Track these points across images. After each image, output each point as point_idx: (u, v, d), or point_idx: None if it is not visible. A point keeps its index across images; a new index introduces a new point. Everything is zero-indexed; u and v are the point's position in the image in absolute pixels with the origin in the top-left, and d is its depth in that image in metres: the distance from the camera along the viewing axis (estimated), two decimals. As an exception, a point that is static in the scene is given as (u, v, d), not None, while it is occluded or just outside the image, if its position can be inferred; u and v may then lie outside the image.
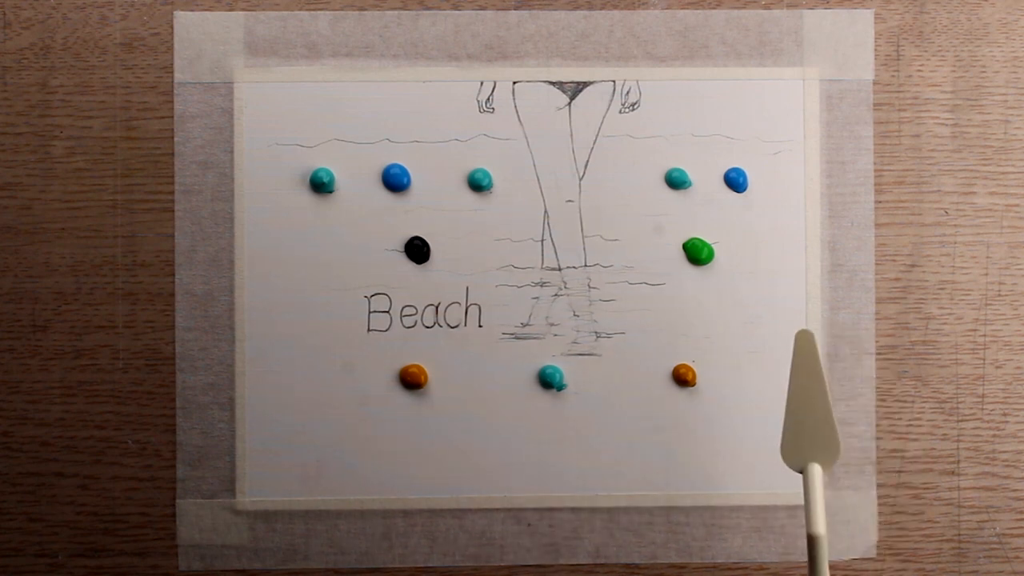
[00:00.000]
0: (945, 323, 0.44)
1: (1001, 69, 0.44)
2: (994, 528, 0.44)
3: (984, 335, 0.44)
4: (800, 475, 0.37)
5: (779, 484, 0.43)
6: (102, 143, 0.43)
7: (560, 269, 0.44)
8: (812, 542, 0.35)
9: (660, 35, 0.44)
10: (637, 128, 0.44)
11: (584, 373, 0.44)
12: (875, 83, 0.44)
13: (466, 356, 0.43)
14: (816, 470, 0.37)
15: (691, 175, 0.44)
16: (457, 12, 0.44)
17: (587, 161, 0.44)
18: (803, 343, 0.37)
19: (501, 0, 0.44)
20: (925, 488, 0.44)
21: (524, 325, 0.44)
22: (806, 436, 0.37)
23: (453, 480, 0.43)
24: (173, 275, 0.43)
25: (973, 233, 0.44)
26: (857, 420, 0.44)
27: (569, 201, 0.44)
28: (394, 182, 0.43)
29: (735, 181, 0.44)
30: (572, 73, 0.44)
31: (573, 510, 0.44)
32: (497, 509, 0.44)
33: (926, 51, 0.44)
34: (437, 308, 0.44)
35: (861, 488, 0.44)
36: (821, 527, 0.35)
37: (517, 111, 0.44)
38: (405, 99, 0.43)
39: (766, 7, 0.44)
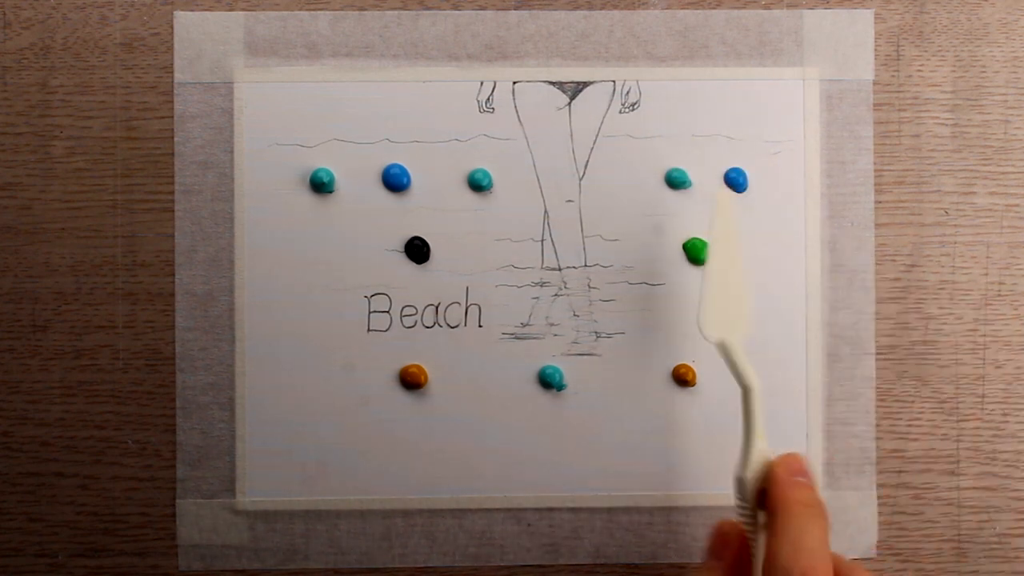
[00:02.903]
0: (945, 323, 0.44)
1: (1001, 69, 0.44)
2: (994, 528, 0.44)
3: (984, 335, 0.44)
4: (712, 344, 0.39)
5: (779, 484, 0.43)
6: (102, 143, 0.43)
7: (560, 269, 0.44)
8: (747, 394, 0.38)
9: (660, 35, 0.44)
10: (637, 128, 0.44)
11: (584, 373, 0.44)
12: (875, 83, 0.44)
13: (466, 356, 0.43)
14: (733, 341, 0.39)
15: (691, 175, 0.44)
16: (457, 12, 0.44)
17: (587, 161, 0.44)
18: (723, 205, 0.40)
19: (501, 0, 0.44)
20: (925, 488, 0.44)
21: (524, 325, 0.44)
22: (722, 309, 0.39)
23: (453, 480, 0.43)
24: (173, 275, 0.43)
25: (973, 233, 0.44)
26: (857, 420, 0.44)
27: (569, 201, 0.44)
28: (394, 182, 0.43)
29: (735, 181, 0.44)
30: (572, 73, 0.44)
31: (573, 510, 0.44)
32: (497, 509, 0.44)
33: (926, 51, 0.44)
34: (437, 308, 0.44)
35: (861, 488, 0.44)
36: (754, 380, 0.38)
37: (517, 111, 0.44)
38: (405, 99, 0.43)
39: (766, 7, 0.44)
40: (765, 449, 0.37)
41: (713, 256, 0.39)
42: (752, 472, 0.37)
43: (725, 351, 0.39)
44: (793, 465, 0.36)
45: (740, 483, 0.37)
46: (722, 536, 0.38)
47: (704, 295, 0.39)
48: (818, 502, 0.35)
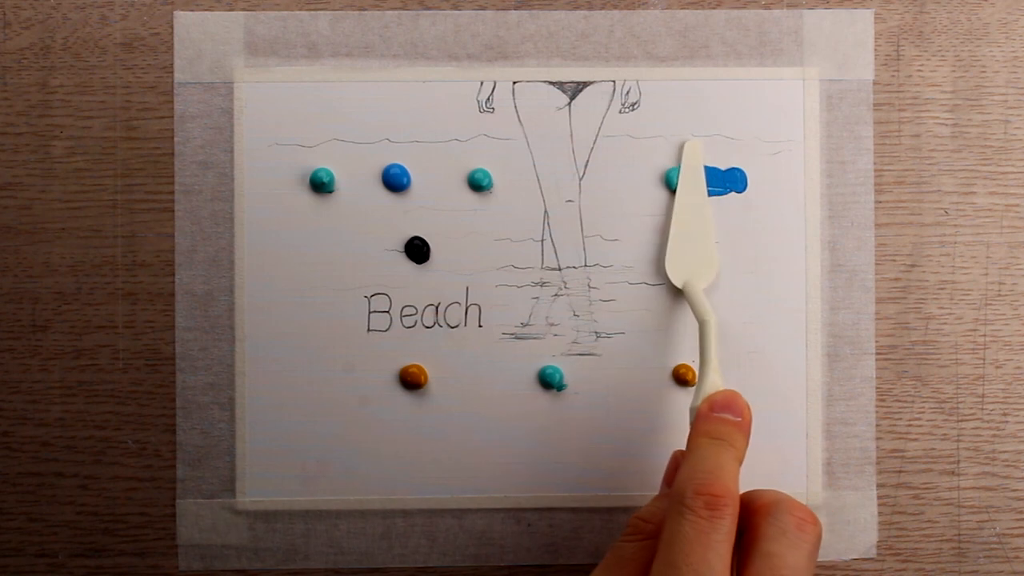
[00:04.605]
0: (945, 323, 0.44)
1: (1001, 69, 0.44)
2: (994, 528, 0.44)
3: (984, 335, 0.44)
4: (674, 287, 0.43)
5: (778, 484, 0.43)
6: (102, 143, 0.44)
7: (560, 269, 0.44)
8: (703, 328, 0.40)
9: (660, 35, 0.44)
10: (637, 128, 0.44)
11: (584, 373, 0.44)
12: (875, 83, 0.44)
13: (466, 356, 0.43)
14: (695, 284, 0.42)
15: (691, 175, 0.44)
16: (457, 12, 0.44)
17: (587, 161, 0.44)
18: (690, 153, 0.43)
19: (501, 0, 0.44)
20: (925, 488, 0.44)
21: (524, 325, 0.44)
22: (688, 254, 0.42)
23: (453, 480, 0.43)
24: (173, 275, 0.43)
25: (973, 233, 0.44)
26: (857, 420, 0.44)
27: (569, 201, 0.44)
28: (394, 182, 0.43)
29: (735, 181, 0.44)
30: (572, 73, 0.44)
31: (573, 510, 0.44)
32: (497, 509, 0.44)
33: (926, 51, 0.44)
34: (437, 308, 0.44)
35: (861, 488, 0.44)
36: (709, 315, 0.40)
37: (517, 111, 0.44)
38: (405, 99, 0.43)
39: (766, 7, 0.44)
40: (717, 382, 0.39)
41: (679, 203, 0.43)
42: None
43: (685, 292, 0.42)
44: (719, 401, 0.38)
45: (692, 413, 0.38)
46: (677, 465, 0.39)
47: (670, 241, 0.42)
48: (727, 434, 0.36)
